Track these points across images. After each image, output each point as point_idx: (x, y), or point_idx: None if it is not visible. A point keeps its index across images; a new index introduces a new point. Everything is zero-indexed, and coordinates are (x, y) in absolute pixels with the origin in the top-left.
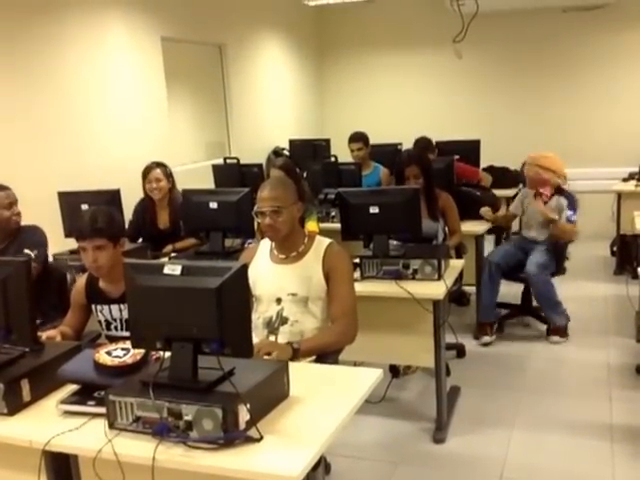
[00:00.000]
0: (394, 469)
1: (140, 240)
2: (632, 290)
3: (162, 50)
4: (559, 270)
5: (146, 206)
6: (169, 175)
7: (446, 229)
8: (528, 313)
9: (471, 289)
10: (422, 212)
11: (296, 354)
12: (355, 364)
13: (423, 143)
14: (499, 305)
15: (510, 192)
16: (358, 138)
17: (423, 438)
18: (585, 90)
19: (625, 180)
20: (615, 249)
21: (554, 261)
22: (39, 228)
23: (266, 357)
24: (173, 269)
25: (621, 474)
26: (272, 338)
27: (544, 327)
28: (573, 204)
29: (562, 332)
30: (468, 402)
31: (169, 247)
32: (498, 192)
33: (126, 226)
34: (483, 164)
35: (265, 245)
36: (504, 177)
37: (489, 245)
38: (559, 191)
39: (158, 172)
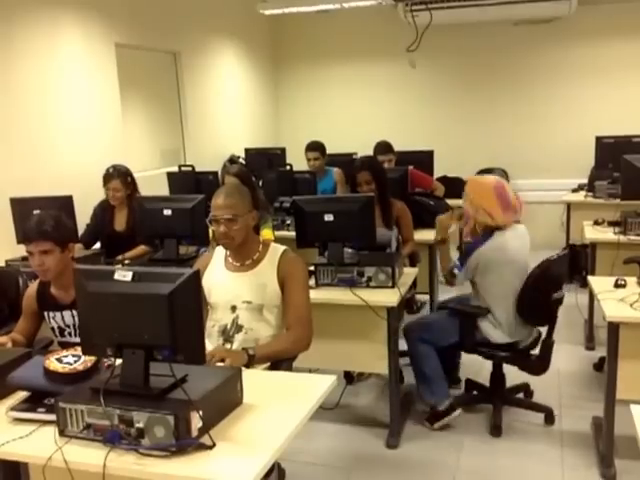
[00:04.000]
0: (348, 474)
1: (98, 243)
2: (581, 299)
3: (116, 57)
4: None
5: (105, 207)
6: (129, 183)
7: (399, 237)
8: (500, 399)
9: (423, 297)
10: (376, 220)
11: (251, 360)
12: (310, 371)
13: (383, 146)
14: (472, 385)
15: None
16: (315, 147)
17: (377, 443)
18: (536, 102)
19: (574, 191)
20: None
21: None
22: None
23: (220, 364)
24: (124, 275)
25: (571, 479)
26: (227, 346)
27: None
28: (466, 257)
29: (433, 418)
30: (421, 408)
31: (119, 258)
32: (451, 202)
33: (81, 231)
34: (436, 174)
35: (220, 253)
36: (457, 187)
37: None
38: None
39: (116, 183)
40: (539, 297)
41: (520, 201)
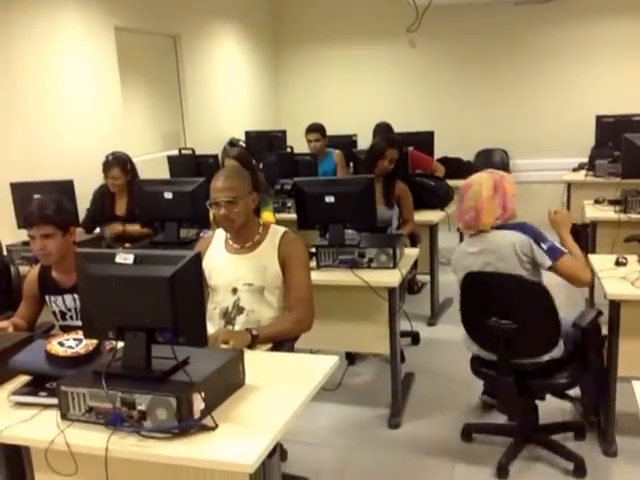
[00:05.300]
0: (350, 454)
1: (97, 229)
2: None
3: (115, 40)
4: None
5: (105, 192)
6: (128, 170)
7: (399, 218)
8: (522, 434)
9: (424, 278)
10: (378, 198)
11: (255, 341)
12: (312, 352)
13: (383, 127)
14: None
15: (463, 183)
16: (316, 129)
17: (379, 424)
18: (536, 82)
19: (575, 170)
20: None
21: None
22: None
23: (224, 346)
24: (125, 258)
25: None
26: (229, 328)
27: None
28: None
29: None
30: (422, 388)
31: (119, 227)
32: (451, 182)
33: (82, 215)
34: (437, 155)
35: (220, 235)
36: (457, 168)
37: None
38: None
39: (115, 172)
40: (467, 309)
41: (470, 216)
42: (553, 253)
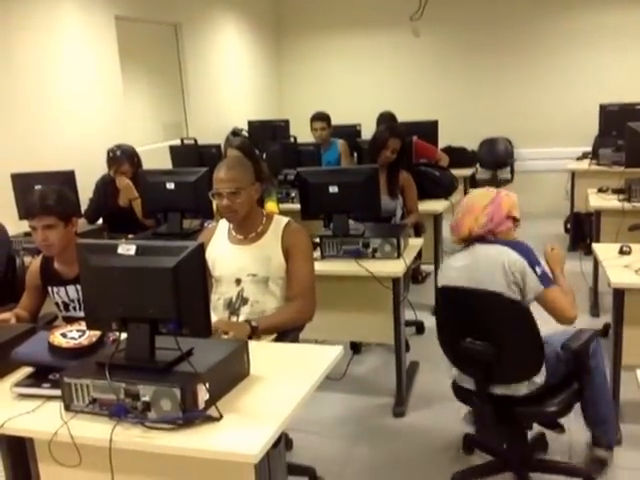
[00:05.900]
0: (355, 443)
1: (100, 220)
2: (586, 266)
3: (116, 29)
4: None
5: (107, 182)
6: (135, 163)
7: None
8: (502, 455)
9: (429, 267)
10: (382, 188)
11: (255, 331)
12: (316, 342)
13: (387, 116)
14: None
15: (467, 172)
16: (321, 117)
17: (383, 413)
18: (541, 71)
19: (579, 159)
20: (569, 226)
21: None
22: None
23: (224, 337)
24: (127, 249)
25: (576, 445)
26: (234, 319)
27: None
28: None
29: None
30: (427, 377)
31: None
32: (456, 172)
33: (84, 206)
34: (441, 144)
35: (223, 226)
36: (461, 157)
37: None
38: None
39: (125, 167)
40: (442, 327)
41: (457, 217)
42: (545, 280)
